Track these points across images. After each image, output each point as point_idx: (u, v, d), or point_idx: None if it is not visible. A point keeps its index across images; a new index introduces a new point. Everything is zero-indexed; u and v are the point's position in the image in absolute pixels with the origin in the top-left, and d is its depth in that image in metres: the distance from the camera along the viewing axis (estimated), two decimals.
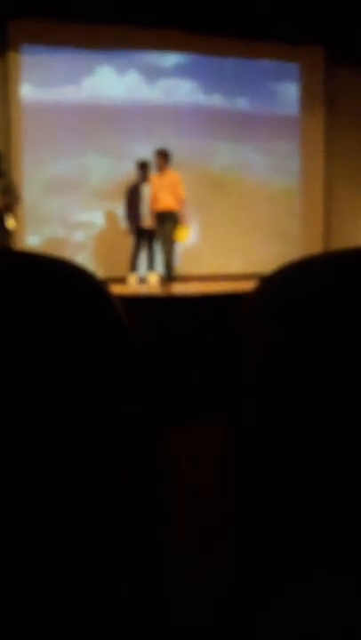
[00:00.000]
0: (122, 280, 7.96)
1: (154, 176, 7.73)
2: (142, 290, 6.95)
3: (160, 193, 7.55)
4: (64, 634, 0.48)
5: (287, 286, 0.54)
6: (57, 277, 0.51)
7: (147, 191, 7.81)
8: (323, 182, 9.87)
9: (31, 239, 8.58)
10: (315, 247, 9.68)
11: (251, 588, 0.54)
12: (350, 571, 0.47)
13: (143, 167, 7.90)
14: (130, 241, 8.12)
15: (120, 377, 0.52)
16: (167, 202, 7.53)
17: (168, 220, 7.57)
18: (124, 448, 0.52)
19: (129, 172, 8.27)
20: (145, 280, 7.94)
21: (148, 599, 0.56)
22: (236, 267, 9.20)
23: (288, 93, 9.81)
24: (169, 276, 7.66)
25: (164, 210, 7.56)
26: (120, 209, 8.49)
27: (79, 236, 8.89)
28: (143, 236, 7.87)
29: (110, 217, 8.95)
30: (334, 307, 0.49)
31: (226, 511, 0.62)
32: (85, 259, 8.64)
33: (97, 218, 8.96)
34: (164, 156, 7.65)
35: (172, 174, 7.67)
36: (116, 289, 6.61)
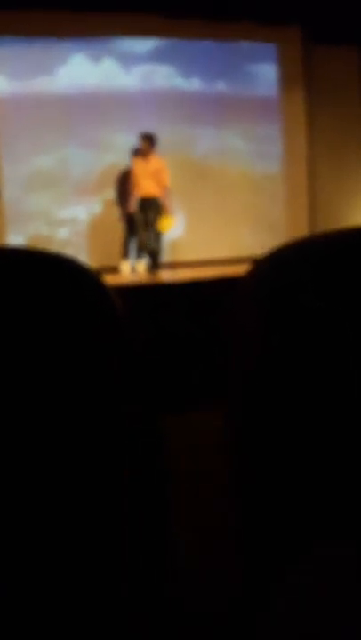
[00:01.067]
0: (114, 269, 7.84)
1: (137, 160, 7.55)
2: (132, 278, 6.86)
3: (143, 179, 7.35)
4: (64, 633, 0.48)
5: (280, 269, 0.54)
6: (52, 271, 0.51)
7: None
8: (306, 165, 9.75)
9: (13, 238, 8.38)
10: (300, 230, 9.66)
11: (251, 587, 0.53)
12: (352, 563, 0.45)
13: (135, 154, 7.78)
14: (121, 228, 7.96)
15: (117, 370, 0.52)
16: (150, 188, 7.34)
17: (152, 207, 7.39)
18: (124, 442, 0.51)
19: (110, 162, 8.11)
20: (134, 268, 7.81)
21: (149, 598, 0.55)
22: (221, 253, 9.02)
23: (267, 75, 9.63)
24: (154, 264, 7.49)
25: (147, 196, 7.37)
26: (106, 200, 8.35)
27: (64, 232, 8.67)
28: (131, 223, 7.73)
29: (99, 205, 8.77)
30: (326, 289, 0.50)
31: (226, 508, 0.60)
32: (73, 251, 8.47)
33: (81, 212, 8.73)
34: (149, 140, 7.49)
35: (156, 160, 7.52)
36: (110, 278, 6.50)
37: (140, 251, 7.73)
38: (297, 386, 0.50)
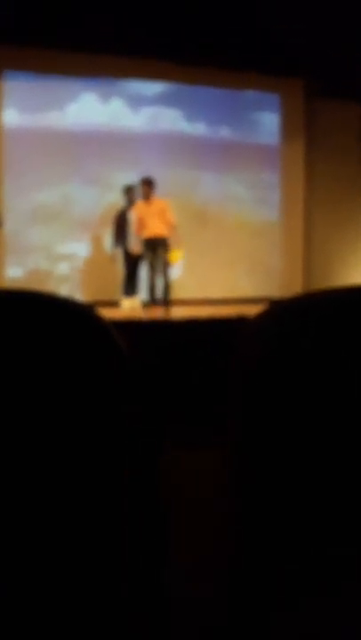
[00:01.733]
0: (111, 304, 7.85)
1: (139, 203, 7.67)
2: (138, 314, 6.86)
3: (148, 220, 7.48)
4: (64, 633, 0.47)
5: (288, 317, 0.55)
6: (52, 312, 0.52)
7: (133, 216, 7.70)
8: (303, 212, 9.88)
9: (13, 271, 8.40)
10: (294, 275, 9.75)
11: (249, 588, 0.53)
12: (350, 576, 0.47)
13: (129, 192, 7.81)
14: (115, 267, 7.98)
15: (120, 400, 0.52)
16: (157, 228, 7.48)
17: (159, 247, 7.55)
18: (126, 464, 0.52)
19: (112, 201, 8.17)
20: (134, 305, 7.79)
21: (148, 598, 0.55)
22: (217, 294, 9.11)
23: (269, 124, 9.82)
24: (165, 301, 7.65)
25: (155, 236, 7.51)
26: (105, 237, 8.40)
27: (63, 267, 8.69)
28: (130, 261, 7.75)
29: (96, 243, 8.81)
30: (327, 340, 0.51)
31: (225, 512, 0.60)
32: (70, 288, 8.51)
33: (81, 249, 8.78)
34: (148, 185, 7.63)
35: (159, 202, 7.64)
36: (114, 314, 6.58)
37: (134, 286, 7.77)
38: (294, 425, 0.51)
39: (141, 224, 7.55)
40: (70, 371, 0.50)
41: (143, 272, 7.88)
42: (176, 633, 0.63)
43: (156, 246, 7.55)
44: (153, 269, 7.65)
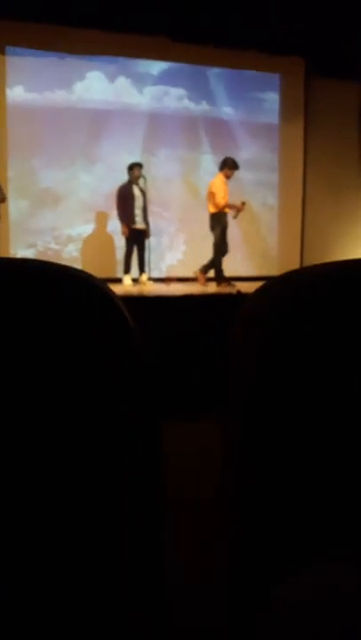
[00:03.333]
0: (115, 280, 7.87)
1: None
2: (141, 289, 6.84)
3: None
4: (64, 633, 0.47)
5: (287, 293, 0.55)
6: (63, 282, 0.52)
7: (137, 191, 7.59)
8: (301, 194, 9.81)
9: (20, 254, 8.37)
10: (292, 259, 9.73)
11: (249, 588, 0.53)
12: (349, 567, 0.46)
13: (132, 168, 7.63)
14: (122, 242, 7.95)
15: (124, 376, 0.52)
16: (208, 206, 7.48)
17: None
18: (125, 447, 0.51)
19: (118, 180, 8.10)
20: (137, 281, 7.70)
21: (148, 598, 0.55)
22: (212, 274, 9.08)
23: (270, 103, 9.71)
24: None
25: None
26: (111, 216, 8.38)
27: (70, 249, 8.63)
28: (135, 238, 7.62)
29: (102, 223, 8.76)
30: (327, 316, 0.51)
31: (224, 510, 0.59)
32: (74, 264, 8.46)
33: (88, 229, 8.70)
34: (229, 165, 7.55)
35: (214, 179, 7.56)
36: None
37: (143, 262, 7.69)
38: (294, 403, 0.50)
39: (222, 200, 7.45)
40: (78, 341, 0.49)
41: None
42: (176, 624, 0.62)
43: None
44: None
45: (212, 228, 7.45)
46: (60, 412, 0.48)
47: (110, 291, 0.55)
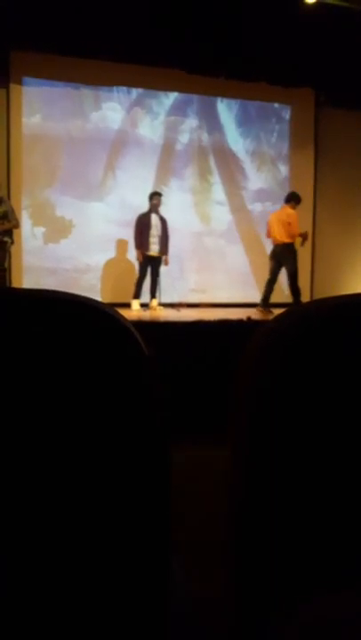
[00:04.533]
0: (125, 305, 7.92)
1: (275, 212, 7.76)
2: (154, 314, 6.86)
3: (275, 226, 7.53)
4: (64, 630, 0.47)
5: (301, 324, 0.54)
6: (78, 313, 0.52)
7: (155, 220, 7.71)
8: (311, 221, 9.80)
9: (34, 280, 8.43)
10: (302, 284, 9.72)
11: (252, 605, 0.53)
12: (353, 588, 0.46)
13: (152, 197, 7.79)
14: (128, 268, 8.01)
15: (137, 404, 0.51)
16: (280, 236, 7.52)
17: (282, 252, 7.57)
18: (135, 472, 0.51)
19: (135, 207, 8.14)
20: (148, 306, 7.74)
21: (150, 621, 0.53)
22: (224, 300, 9.12)
23: (280, 134, 9.76)
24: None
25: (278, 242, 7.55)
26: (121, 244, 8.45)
27: (88, 277, 8.67)
28: (149, 264, 7.71)
29: (116, 248, 8.84)
30: (340, 349, 0.50)
31: (230, 537, 0.58)
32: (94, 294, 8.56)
33: (103, 257, 8.79)
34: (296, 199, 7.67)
35: (287, 210, 7.63)
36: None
37: (155, 288, 7.81)
38: (301, 435, 0.50)
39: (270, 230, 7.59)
40: (92, 370, 0.49)
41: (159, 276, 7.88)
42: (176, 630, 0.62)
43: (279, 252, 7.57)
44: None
45: (284, 256, 7.51)
46: (72, 437, 0.48)
47: (124, 319, 0.54)
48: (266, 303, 7.60)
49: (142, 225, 7.67)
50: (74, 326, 0.51)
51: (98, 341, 0.51)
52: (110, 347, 0.51)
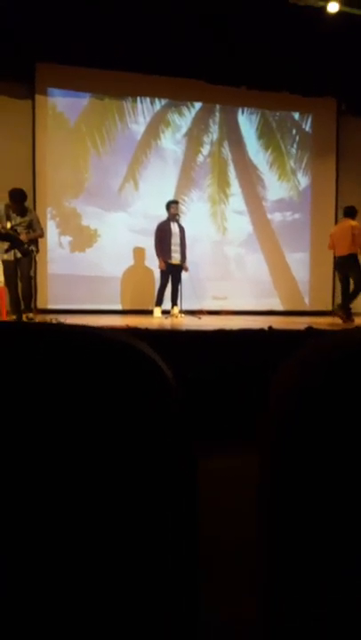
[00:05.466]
0: (144, 312, 7.96)
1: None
2: (175, 321, 6.88)
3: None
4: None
5: (344, 350, 0.53)
6: (103, 347, 0.51)
7: (175, 228, 7.71)
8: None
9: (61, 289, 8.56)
10: (324, 292, 9.71)
11: (283, 630, 0.51)
12: None
13: (170, 206, 7.78)
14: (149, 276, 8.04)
15: (166, 432, 0.51)
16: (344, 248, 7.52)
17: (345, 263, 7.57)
18: (162, 493, 0.51)
19: (158, 215, 8.19)
20: (169, 313, 7.75)
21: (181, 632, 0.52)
22: (247, 307, 9.19)
23: (301, 143, 9.74)
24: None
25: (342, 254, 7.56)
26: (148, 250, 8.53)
27: (112, 284, 8.79)
28: (171, 272, 7.71)
29: (138, 256, 8.89)
30: None
31: (259, 555, 0.56)
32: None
33: (126, 265, 8.88)
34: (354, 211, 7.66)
35: (350, 223, 7.59)
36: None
37: (176, 295, 7.82)
38: (334, 464, 0.49)
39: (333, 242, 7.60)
40: (117, 405, 0.49)
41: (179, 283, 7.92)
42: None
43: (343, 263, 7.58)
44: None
45: (350, 267, 7.48)
46: (100, 465, 0.48)
47: (146, 351, 0.54)
48: (348, 313, 7.56)
49: (163, 233, 7.68)
50: (97, 362, 0.50)
51: (122, 375, 0.50)
52: (135, 380, 0.51)
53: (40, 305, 7.89)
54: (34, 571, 0.47)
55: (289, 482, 0.51)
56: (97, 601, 0.48)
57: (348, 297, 7.57)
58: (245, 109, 9.37)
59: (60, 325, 0.54)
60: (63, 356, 0.50)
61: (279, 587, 0.52)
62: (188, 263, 7.91)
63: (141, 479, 0.49)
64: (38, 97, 8.34)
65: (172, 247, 7.65)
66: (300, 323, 6.45)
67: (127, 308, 8.69)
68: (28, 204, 6.80)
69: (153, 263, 8.17)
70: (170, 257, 7.64)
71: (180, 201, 8.30)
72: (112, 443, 0.48)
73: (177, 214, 7.75)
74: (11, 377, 0.48)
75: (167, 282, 7.72)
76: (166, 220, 7.76)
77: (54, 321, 6.01)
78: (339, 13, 7.40)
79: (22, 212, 6.50)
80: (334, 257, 7.60)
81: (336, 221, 9.80)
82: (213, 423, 3.04)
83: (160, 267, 7.69)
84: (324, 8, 7.39)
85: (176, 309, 7.77)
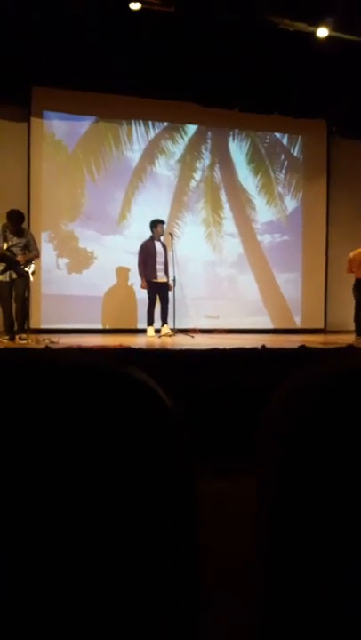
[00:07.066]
0: (137, 331, 7.90)
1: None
2: (164, 341, 6.84)
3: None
4: None
5: (338, 379, 0.52)
6: (99, 378, 0.50)
7: (159, 247, 7.63)
8: (324, 253, 9.76)
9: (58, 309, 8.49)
10: (317, 311, 9.73)
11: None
12: None
13: (155, 225, 7.72)
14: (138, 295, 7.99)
15: (164, 459, 0.50)
16: None
17: None
18: (160, 519, 0.49)
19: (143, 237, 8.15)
20: (159, 332, 7.64)
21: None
22: (240, 326, 9.15)
23: (292, 165, 9.75)
24: None
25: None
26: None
27: (104, 303, 8.77)
28: (156, 291, 7.64)
29: (124, 276, 8.87)
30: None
31: (257, 582, 0.54)
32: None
33: (115, 284, 8.86)
34: None
35: None
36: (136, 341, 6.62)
37: (166, 314, 7.78)
38: (330, 492, 0.48)
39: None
40: (115, 437, 0.48)
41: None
42: None
43: None
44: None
45: (357, 289, 7.71)
46: (99, 495, 0.47)
47: (144, 380, 0.53)
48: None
49: (147, 252, 7.59)
50: (92, 393, 0.49)
51: (116, 406, 0.49)
52: (131, 409, 0.50)
53: (33, 325, 7.83)
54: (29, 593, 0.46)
55: (287, 506, 0.50)
56: (96, 618, 0.47)
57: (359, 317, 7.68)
58: (236, 136, 9.37)
59: (53, 353, 0.53)
60: (57, 391, 0.49)
61: (277, 606, 0.51)
62: (181, 283, 7.88)
63: (142, 505, 0.48)
64: (34, 119, 8.33)
65: (157, 266, 7.59)
66: (292, 341, 6.42)
67: (121, 327, 8.67)
68: (24, 225, 6.81)
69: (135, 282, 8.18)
70: (155, 276, 7.61)
71: (173, 224, 8.33)
72: (110, 473, 0.47)
73: (162, 234, 7.69)
74: (5, 411, 0.48)
75: (155, 300, 7.67)
76: (150, 239, 7.67)
77: (47, 341, 5.94)
78: (328, 38, 7.49)
79: (19, 233, 6.48)
80: (356, 279, 7.67)
81: (327, 242, 9.89)
82: (211, 442, 3.02)
83: (142, 286, 7.62)
84: (314, 33, 7.48)
85: (167, 328, 7.73)
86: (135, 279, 8.60)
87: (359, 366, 0.53)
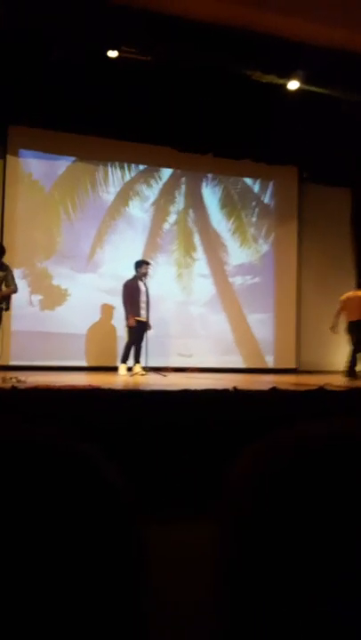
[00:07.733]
0: (108, 369, 7.83)
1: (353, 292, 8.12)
2: (138, 379, 6.76)
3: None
4: None
5: (301, 441, 0.53)
6: (42, 457, 0.49)
7: (142, 287, 7.70)
8: (295, 297, 9.86)
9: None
10: (288, 350, 9.78)
11: None
12: None
13: (140, 265, 7.83)
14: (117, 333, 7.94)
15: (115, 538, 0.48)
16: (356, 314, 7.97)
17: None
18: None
19: (119, 281, 8.16)
20: (132, 370, 7.65)
21: None
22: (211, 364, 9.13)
23: (263, 210, 9.89)
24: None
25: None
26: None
27: (80, 341, 8.71)
28: (139, 328, 7.65)
29: (104, 313, 8.86)
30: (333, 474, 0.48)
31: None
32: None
33: (92, 322, 8.83)
34: None
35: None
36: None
37: (139, 353, 7.76)
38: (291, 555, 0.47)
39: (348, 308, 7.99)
40: (63, 516, 0.47)
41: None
42: None
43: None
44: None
45: (351, 331, 8.01)
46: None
47: (89, 457, 0.52)
48: (352, 373, 7.79)
49: (133, 290, 7.66)
50: (34, 473, 0.48)
51: (57, 488, 0.48)
52: (73, 493, 0.48)
53: (2, 361, 7.71)
54: None
55: (248, 563, 0.49)
56: None
57: (354, 358, 7.97)
58: (210, 182, 9.50)
59: None
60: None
61: None
62: (154, 321, 7.95)
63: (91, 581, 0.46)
64: (9, 157, 8.38)
65: (141, 305, 7.66)
66: (265, 381, 6.41)
67: (92, 364, 8.58)
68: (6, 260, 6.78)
69: (118, 321, 8.12)
70: (139, 314, 7.70)
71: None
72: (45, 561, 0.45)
73: (147, 274, 7.76)
74: None
75: (139, 339, 7.64)
76: (134, 278, 7.73)
77: (14, 380, 5.84)
78: (300, 90, 7.73)
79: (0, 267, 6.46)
80: (350, 322, 7.99)
81: (299, 284, 10.03)
82: (174, 486, 2.95)
83: (130, 324, 7.62)
84: (285, 85, 7.71)
85: (139, 367, 7.72)
86: (111, 317, 8.58)
87: (340, 431, 0.53)
